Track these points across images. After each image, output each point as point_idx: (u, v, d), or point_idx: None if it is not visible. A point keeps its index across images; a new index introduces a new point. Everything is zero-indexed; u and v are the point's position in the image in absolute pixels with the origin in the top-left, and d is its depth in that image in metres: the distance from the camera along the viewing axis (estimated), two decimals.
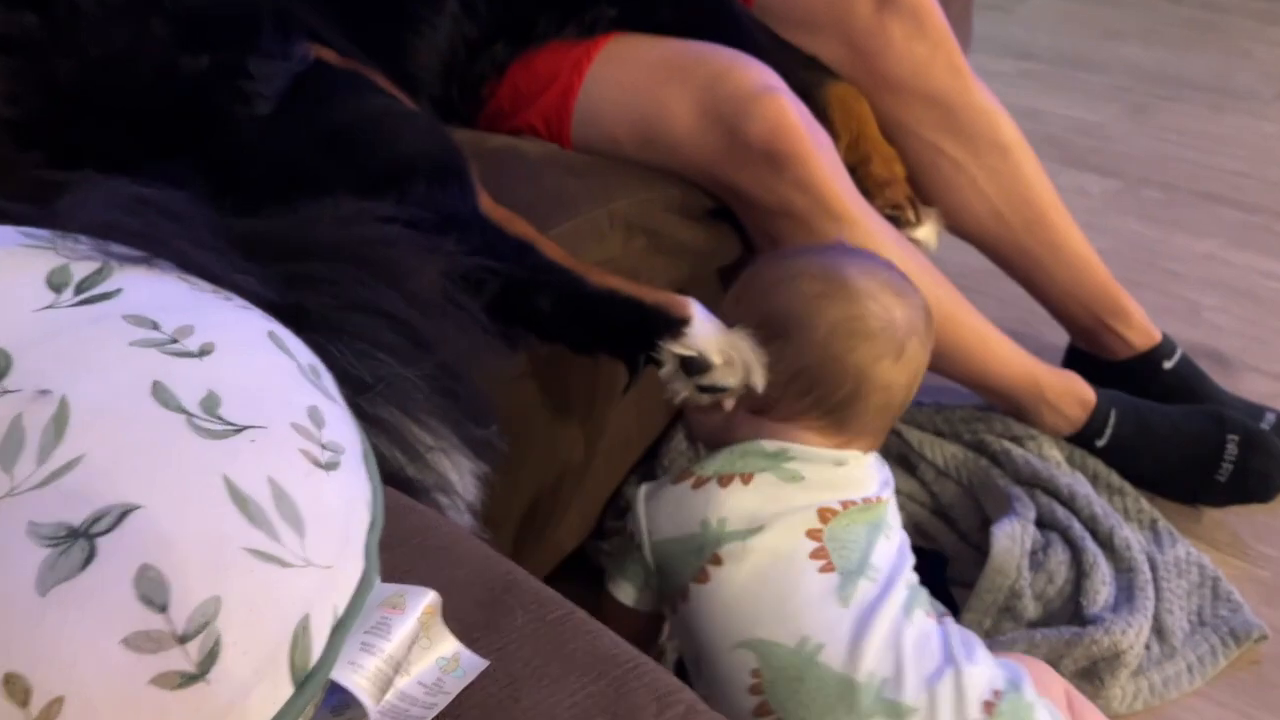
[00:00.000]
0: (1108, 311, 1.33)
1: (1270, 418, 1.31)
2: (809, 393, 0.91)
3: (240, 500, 0.47)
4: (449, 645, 0.55)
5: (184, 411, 0.50)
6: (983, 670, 0.83)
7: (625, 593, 0.93)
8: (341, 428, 0.57)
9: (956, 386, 1.29)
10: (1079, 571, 1.14)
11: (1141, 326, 1.34)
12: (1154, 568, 1.16)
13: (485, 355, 0.85)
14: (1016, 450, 1.27)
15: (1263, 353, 1.46)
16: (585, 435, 1.10)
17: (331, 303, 0.74)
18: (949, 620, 0.89)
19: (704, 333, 0.90)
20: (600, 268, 0.97)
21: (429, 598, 0.52)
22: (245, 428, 0.50)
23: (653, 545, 0.90)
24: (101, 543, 0.44)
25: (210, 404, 0.51)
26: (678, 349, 0.88)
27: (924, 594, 0.90)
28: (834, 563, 0.85)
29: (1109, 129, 1.91)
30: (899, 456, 1.30)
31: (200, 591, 0.44)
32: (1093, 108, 1.97)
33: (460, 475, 0.77)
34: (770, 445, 0.90)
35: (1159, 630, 1.11)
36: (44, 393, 0.49)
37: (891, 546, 0.89)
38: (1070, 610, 1.12)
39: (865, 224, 1.11)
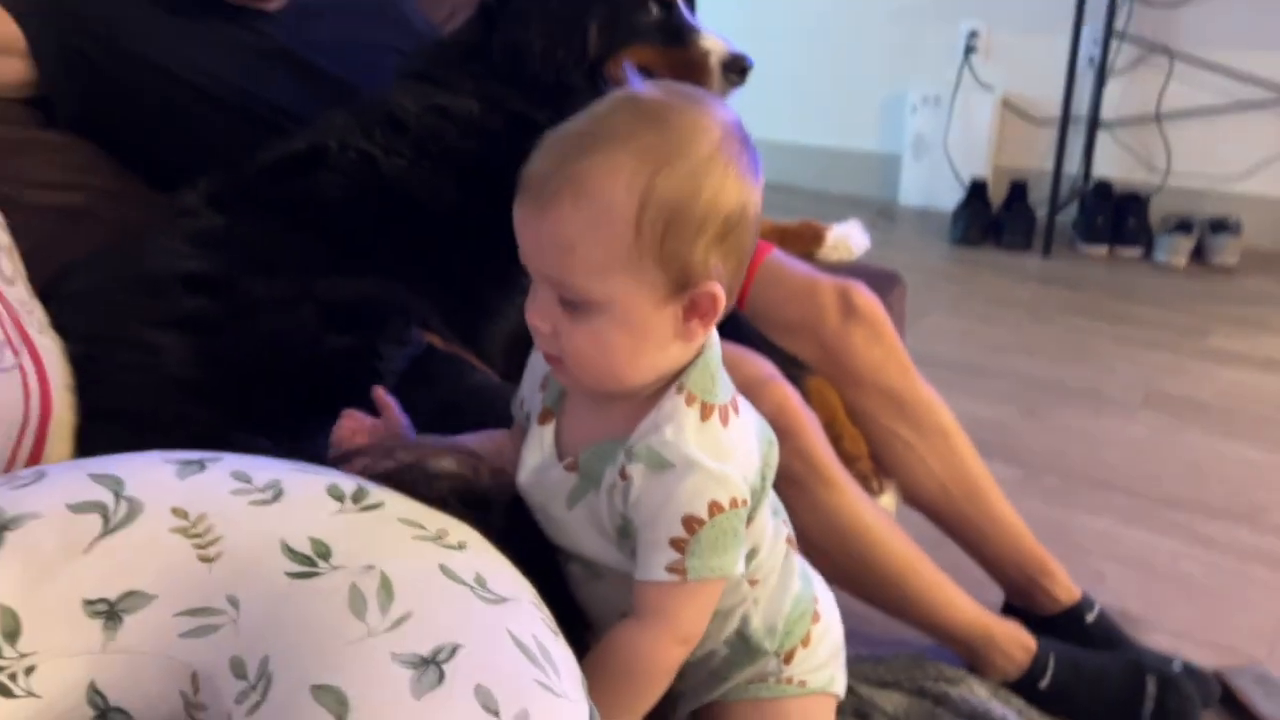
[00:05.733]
0: (1038, 571, 1.57)
1: (1178, 663, 1.54)
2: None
3: (522, 646, 0.65)
4: None
5: (467, 585, 0.67)
6: None
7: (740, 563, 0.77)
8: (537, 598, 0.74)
9: (889, 638, 1.49)
10: None
11: (1065, 584, 1.58)
12: None
13: None
14: (953, 690, 1.46)
15: (1161, 614, 1.70)
16: None
17: None
18: None
19: None
20: None
21: None
22: (508, 599, 0.68)
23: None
24: (446, 667, 0.60)
25: (482, 580, 0.69)
26: None
27: None
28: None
29: (1008, 425, 2.24)
30: (854, 710, 1.45)
31: (515, 705, 0.61)
32: (992, 408, 2.31)
33: None
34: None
35: None
36: (368, 568, 0.66)
37: None
38: None
39: (850, 489, 1.34)
